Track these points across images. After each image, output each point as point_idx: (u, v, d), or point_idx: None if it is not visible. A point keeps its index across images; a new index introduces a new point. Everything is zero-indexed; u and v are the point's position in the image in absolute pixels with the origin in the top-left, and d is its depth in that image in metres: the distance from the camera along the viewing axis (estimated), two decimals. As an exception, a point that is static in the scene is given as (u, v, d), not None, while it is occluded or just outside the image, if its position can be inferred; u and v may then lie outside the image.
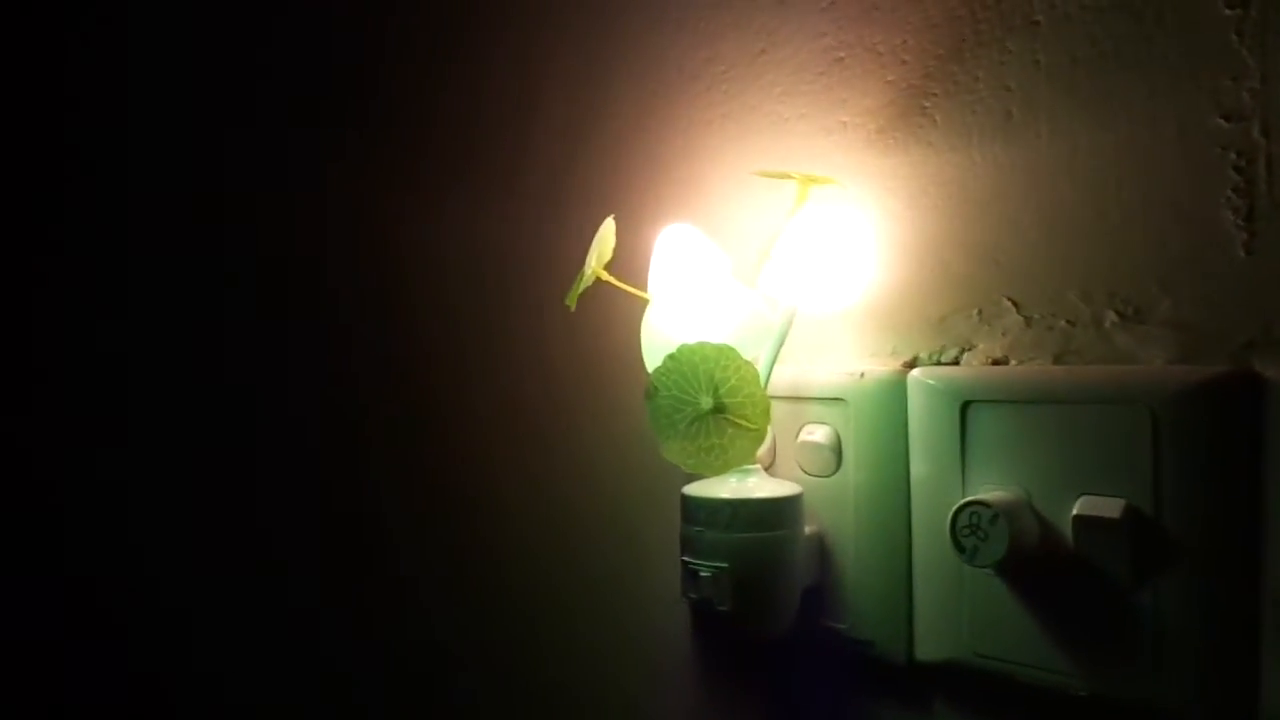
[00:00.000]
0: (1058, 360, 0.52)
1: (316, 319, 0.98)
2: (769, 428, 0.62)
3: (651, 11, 0.71)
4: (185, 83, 1.09)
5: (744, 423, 0.50)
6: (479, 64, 0.84)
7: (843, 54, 0.61)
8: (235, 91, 1.05)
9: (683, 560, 0.57)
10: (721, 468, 0.52)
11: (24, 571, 1.21)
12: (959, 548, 0.50)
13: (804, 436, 0.60)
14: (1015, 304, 0.54)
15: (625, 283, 0.60)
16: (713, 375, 0.50)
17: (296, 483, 0.99)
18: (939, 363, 0.57)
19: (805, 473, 0.61)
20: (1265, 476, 0.45)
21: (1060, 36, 0.52)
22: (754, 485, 0.57)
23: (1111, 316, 0.50)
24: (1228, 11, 0.46)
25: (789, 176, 0.57)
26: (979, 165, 0.55)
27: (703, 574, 0.56)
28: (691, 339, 0.53)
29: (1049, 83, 0.52)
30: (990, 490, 0.52)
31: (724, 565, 0.55)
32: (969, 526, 0.50)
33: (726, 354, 0.50)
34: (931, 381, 0.55)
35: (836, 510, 0.59)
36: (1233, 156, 0.47)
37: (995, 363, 0.54)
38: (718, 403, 0.50)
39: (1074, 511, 0.49)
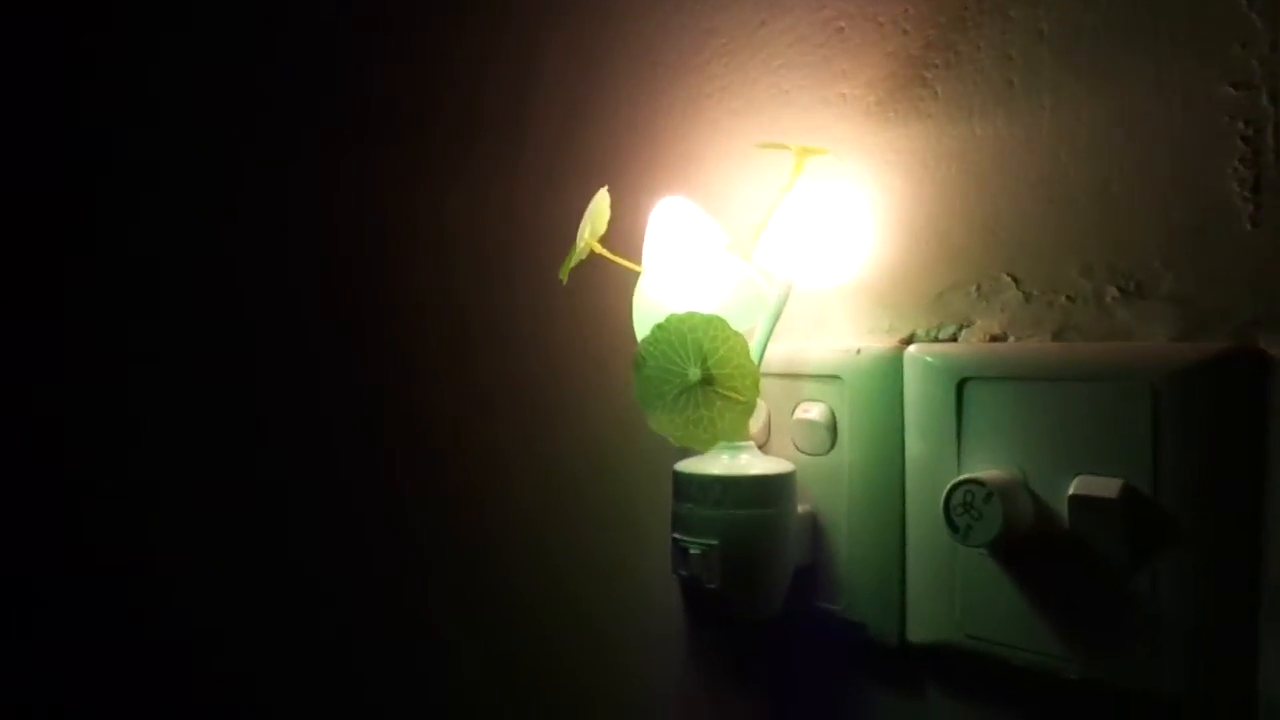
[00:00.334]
0: (1057, 337, 0.51)
1: (330, 308, 0.97)
2: (763, 404, 0.61)
3: (652, -16, 0.70)
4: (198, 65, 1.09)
5: (733, 395, 0.49)
6: (483, 42, 0.83)
7: (843, 24, 0.59)
8: (248, 77, 1.05)
9: (673, 537, 0.57)
10: (710, 440, 0.51)
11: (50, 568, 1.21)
12: (952, 527, 0.49)
13: (799, 414, 0.59)
14: (1015, 279, 0.52)
15: (627, 256, 0.59)
16: (701, 346, 0.49)
17: (305, 462, 0.99)
18: (936, 339, 0.55)
19: (800, 451, 0.59)
20: (1268, 456, 0.44)
21: (1064, 3, 0.50)
22: (746, 463, 0.56)
23: (1112, 292, 0.49)
24: (1237, -24, 0.45)
25: (785, 148, 0.56)
26: (980, 137, 0.54)
27: (692, 551, 0.55)
28: (682, 309, 0.52)
29: (1052, 52, 0.51)
30: (986, 469, 0.51)
31: (713, 542, 0.54)
32: (962, 505, 0.49)
33: (715, 324, 0.49)
34: (928, 358, 0.54)
35: (831, 489, 0.58)
36: (1240, 126, 0.45)
37: (993, 339, 0.53)
38: (706, 374, 0.49)
39: (1070, 491, 0.47)
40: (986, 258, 0.54)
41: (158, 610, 1.13)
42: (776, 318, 0.56)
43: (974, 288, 0.54)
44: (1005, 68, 0.53)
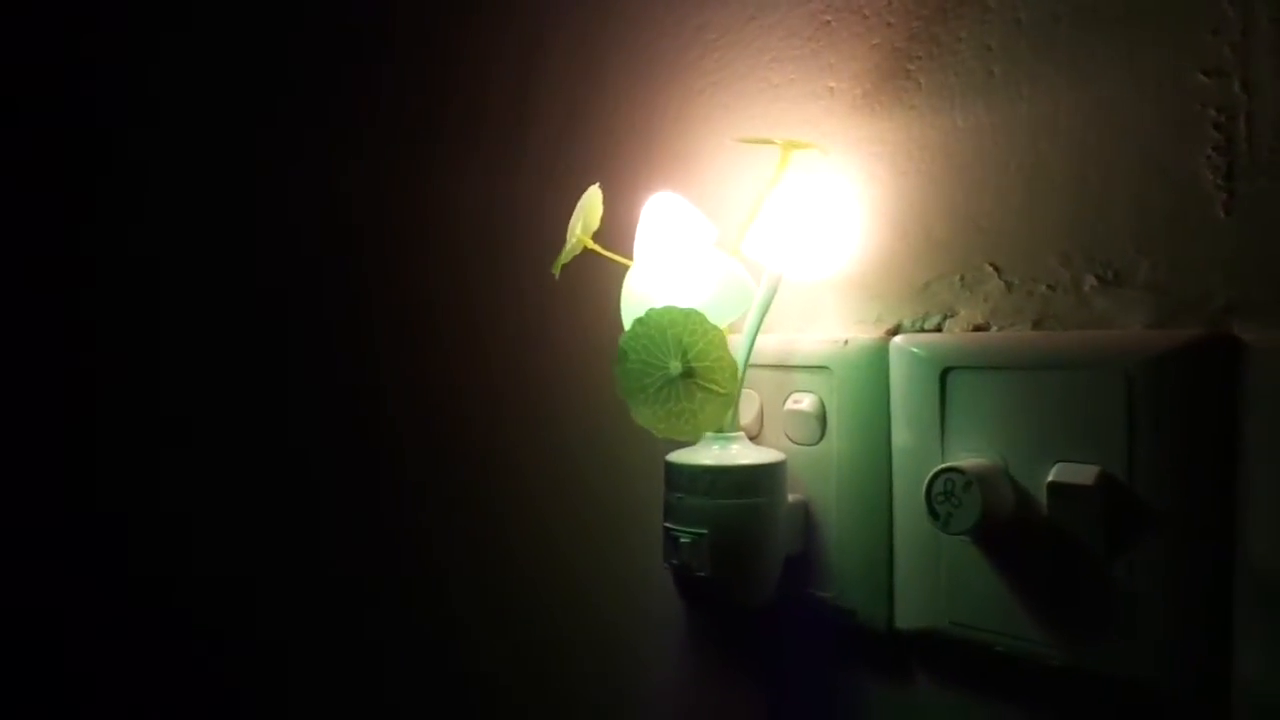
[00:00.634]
0: (1037, 326, 0.51)
1: (340, 303, 0.99)
2: (756, 394, 0.62)
3: (646, -19, 0.71)
4: (216, 63, 1.11)
5: (713, 387, 0.50)
6: (487, 43, 0.84)
7: (829, 18, 0.60)
8: (259, 78, 1.07)
9: (664, 526, 0.58)
10: (691, 432, 0.52)
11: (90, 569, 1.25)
12: (933, 515, 0.50)
13: (790, 405, 0.60)
14: (997, 269, 0.53)
15: (627, 251, 0.60)
16: (681, 340, 0.50)
17: (320, 453, 1.01)
18: (922, 329, 0.56)
19: (792, 441, 0.60)
20: (1242, 443, 0.44)
21: (1040, -7, 0.51)
22: (735, 453, 0.57)
23: (1090, 280, 0.49)
24: (1208, -38, 0.45)
25: (770, 142, 0.56)
26: (961, 128, 0.54)
27: (682, 540, 0.56)
28: (671, 303, 0.53)
29: (1029, 42, 0.51)
30: (968, 458, 0.51)
31: (702, 532, 0.55)
32: (943, 494, 0.49)
33: (694, 318, 0.50)
34: (913, 349, 0.55)
35: (821, 478, 0.59)
36: (1213, 113, 0.45)
37: (977, 329, 0.54)
38: (686, 367, 0.50)
39: (1048, 479, 0.48)
40: (969, 248, 0.54)
41: (193, 614, 1.16)
42: (765, 310, 0.57)
43: (958, 278, 0.54)
44: (985, 58, 0.53)
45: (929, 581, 0.54)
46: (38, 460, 1.30)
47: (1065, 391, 0.48)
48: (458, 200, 0.86)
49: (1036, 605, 0.50)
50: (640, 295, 0.55)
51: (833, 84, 0.60)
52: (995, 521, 0.49)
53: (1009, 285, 0.52)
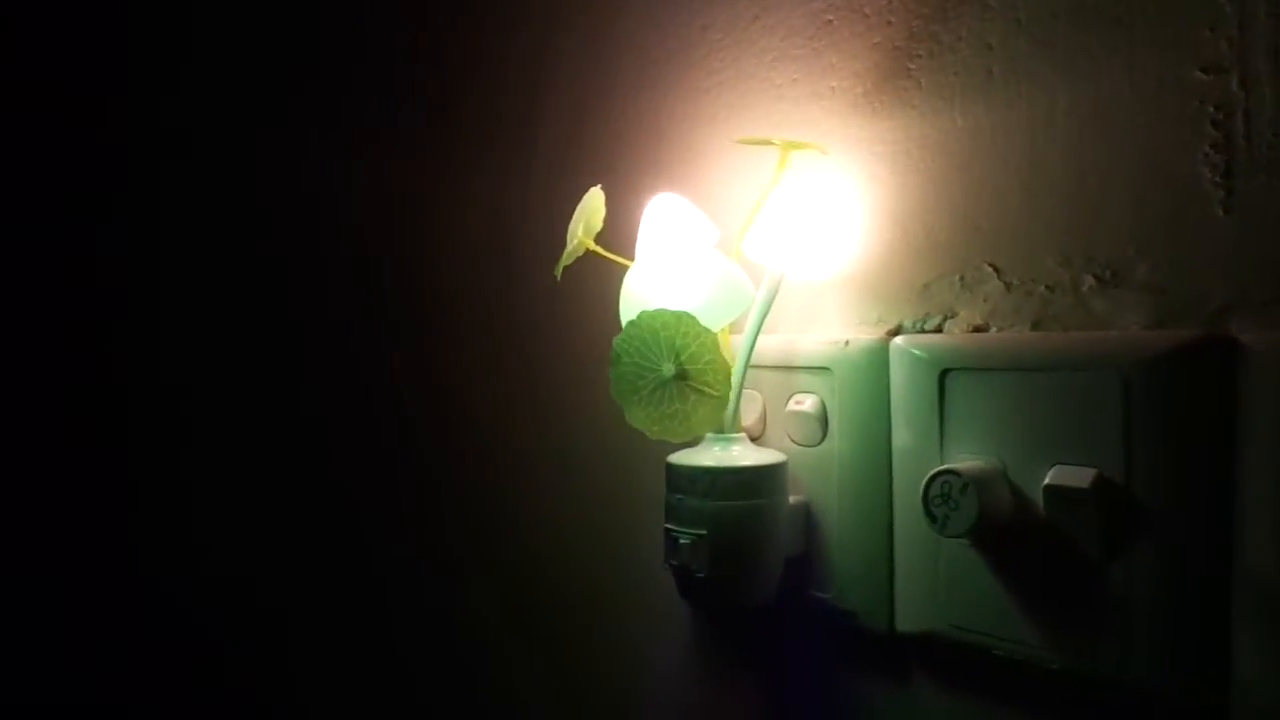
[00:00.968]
0: (1036, 327, 0.51)
1: (358, 300, 1.00)
2: (759, 395, 0.62)
3: (651, -18, 0.71)
4: (236, 67, 1.13)
5: (706, 389, 0.50)
6: (500, 44, 0.85)
7: (831, 17, 0.60)
8: (282, 81, 1.08)
9: (665, 527, 0.58)
10: (684, 433, 0.52)
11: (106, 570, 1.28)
12: (930, 517, 0.50)
13: (792, 406, 0.60)
14: (996, 269, 0.52)
15: (629, 253, 0.60)
16: (673, 342, 0.50)
17: (342, 445, 1.03)
18: (922, 330, 0.56)
19: (794, 442, 0.60)
20: (1239, 444, 0.43)
21: (1039, -10, 0.50)
22: (736, 454, 0.57)
23: (1089, 281, 0.49)
24: (1206, -43, 0.44)
25: (770, 143, 0.56)
26: (960, 128, 0.54)
27: (682, 541, 0.56)
28: (667, 305, 0.53)
29: (1029, 40, 0.51)
30: (967, 460, 0.51)
31: (702, 533, 0.56)
32: (940, 496, 0.49)
33: (685, 321, 0.50)
34: (912, 350, 0.54)
35: (822, 480, 0.59)
36: (1211, 110, 0.44)
37: (976, 330, 0.53)
38: (679, 369, 0.50)
39: (1045, 481, 0.47)
40: (969, 248, 0.54)
41: (213, 612, 1.18)
42: (766, 311, 0.57)
43: (958, 278, 0.54)
44: (985, 57, 0.53)
45: (929, 584, 0.54)
46: (54, 456, 1.32)
47: (1063, 393, 0.48)
48: (470, 202, 0.87)
49: (1035, 609, 0.49)
50: (638, 296, 0.55)
51: (834, 83, 0.60)
52: (993, 524, 0.49)
53: (1008, 286, 0.52)
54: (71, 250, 1.32)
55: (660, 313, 0.50)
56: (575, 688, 0.79)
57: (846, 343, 0.57)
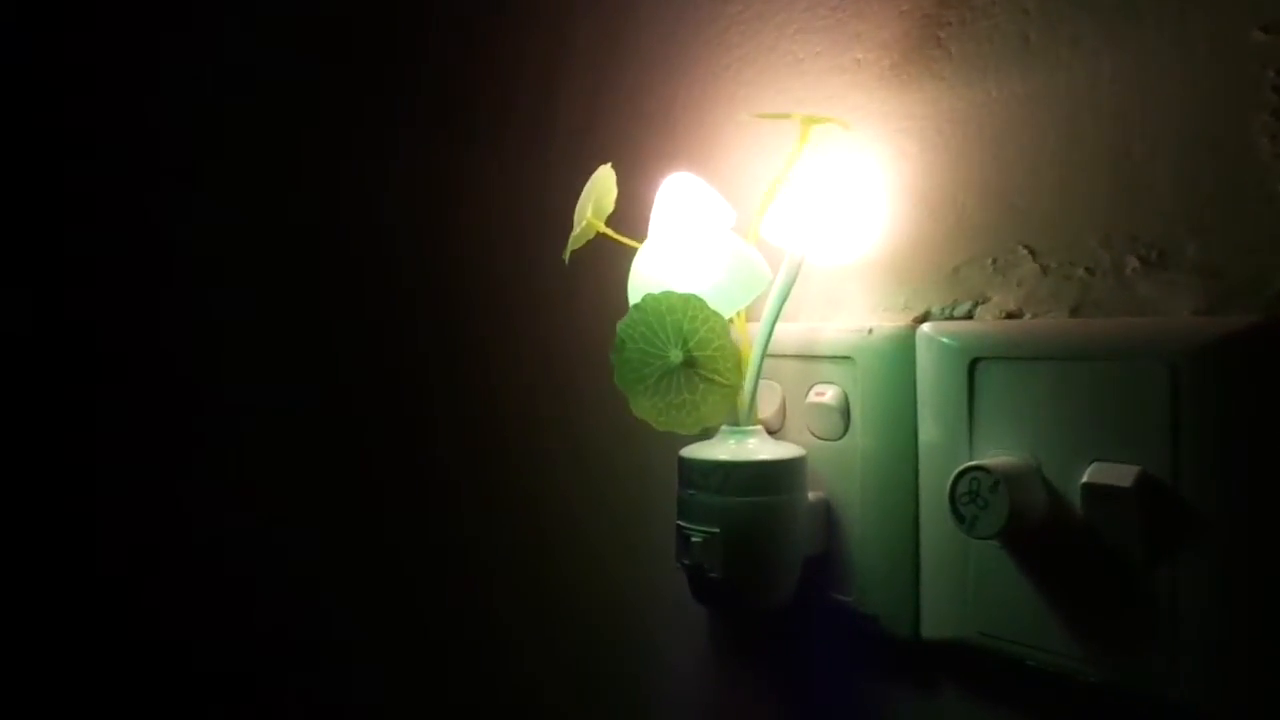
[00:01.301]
0: (1074, 312, 0.47)
1: (381, 287, 0.98)
2: (778, 386, 0.59)
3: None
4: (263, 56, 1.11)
5: (716, 377, 0.47)
6: (519, 17, 0.82)
7: (857, -17, 0.56)
8: (312, 72, 1.07)
9: (677, 524, 0.55)
10: (693, 425, 0.49)
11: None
12: (958, 517, 0.46)
13: (812, 397, 0.56)
14: (1031, 251, 0.49)
15: (642, 237, 0.57)
16: (681, 326, 0.47)
17: (368, 445, 1.01)
18: (951, 317, 0.52)
19: (814, 436, 0.57)
20: (1300, 442, 0.39)
21: (1081, -52, 0.46)
22: (752, 448, 0.54)
23: (1133, 263, 0.45)
24: (1266, -95, 0.40)
25: (788, 117, 0.53)
26: (994, 99, 0.50)
27: (694, 539, 0.53)
28: (675, 287, 0.50)
29: (1069, 1, 0.47)
30: (998, 455, 0.48)
31: (715, 530, 0.52)
32: (968, 494, 0.46)
33: (694, 304, 0.47)
34: (940, 338, 0.51)
35: (844, 475, 0.55)
36: (1271, 75, 0.41)
37: (1009, 316, 0.50)
38: (687, 356, 0.47)
39: (1083, 479, 0.44)
40: (1003, 229, 0.50)
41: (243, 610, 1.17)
42: (785, 296, 0.54)
43: (990, 261, 0.50)
44: (1021, 22, 0.49)
45: (957, 588, 0.50)
46: (77, 464, 1.32)
47: (1103, 384, 0.44)
48: (487, 185, 0.84)
49: (1071, 617, 0.46)
50: (646, 278, 0.52)
51: (860, 55, 0.56)
52: (1025, 525, 0.45)
53: (1044, 269, 0.48)
54: (98, 249, 1.32)
55: (667, 295, 0.47)
56: (594, 690, 0.76)
57: (870, 330, 0.54)
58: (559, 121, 0.78)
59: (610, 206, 0.58)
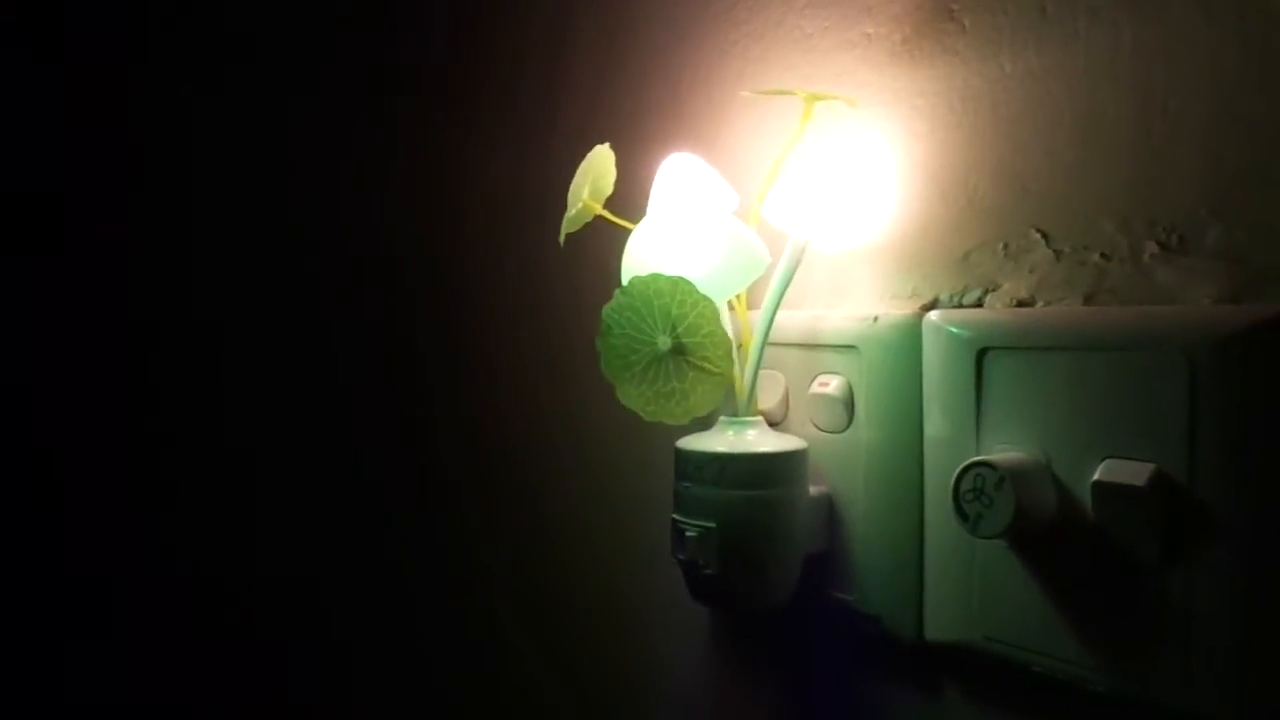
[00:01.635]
0: (1089, 300, 0.44)
1: (380, 275, 0.97)
2: (781, 376, 0.56)
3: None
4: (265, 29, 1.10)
5: (707, 365, 0.44)
6: (519, 3, 0.81)
7: (867, -45, 0.54)
8: (310, 49, 1.05)
9: (672, 518, 0.53)
10: (682, 415, 0.47)
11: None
12: (961, 515, 0.44)
13: (815, 388, 0.54)
14: (1045, 236, 0.46)
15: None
16: (669, 312, 0.45)
17: (365, 403, 0.99)
18: (960, 305, 0.50)
19: (818, 428, 0.55)
20: (1327, 441, 0.37)
21: (1101, -87, 0.43)
22: (751, 439, 0.52)
23: (1152, 248, 0.42)
24: None
25: (791, 93, 0.50)
26: (1009, 75, 0.47)
27: (689, 533, 0.51)
28: (671, 270, 0.48)
29: (1088, -30, 0.44)
30: (1004, 451, 0.45)
31: (710, 525, 0.50)
32: (973, 491, 0.43)
33: (682, 287, 0.44)
34: (948, 327, 0.48)
35: (847, 470, 0.53)
36: (1302, 46, 0.38)
37: (1020, 304, 0.47)
38: (676, 343, 0.45)
39: (1093, 477, 0.41)
40: (1015, 212, 0.47)
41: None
42: (787, 282, 0.52)
43: (1001, 246, 0.48)
44: (1038, -7, 0.46)
45: (962, 590, 0.48)
46: (101, 468, 1.33)
47: (1117, 377, 0.41)
48: (489, 172, 0.82)
49: (1081, 622, 0.43)
50: (638, 261, 0.50)
51: (870, 29, 0.54)
52: (1033, 525, 0.43)
53: (1058, 254, 0.46)
54: (101, 255, 1.32)
55: (654, 278, 0.45)
56: (589, 689, 0.74)
57: (876, 319, 0.51)
58: (562, 101, 0.75)
59: (609, 189, 0.56)
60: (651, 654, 0.68)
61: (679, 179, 0.54)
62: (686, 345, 0.45)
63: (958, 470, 0.44)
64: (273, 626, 1.11)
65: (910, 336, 0.50)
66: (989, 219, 0.48)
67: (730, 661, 0.63)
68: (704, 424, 0.53)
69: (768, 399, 0.57)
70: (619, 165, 0.56)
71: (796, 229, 0.51)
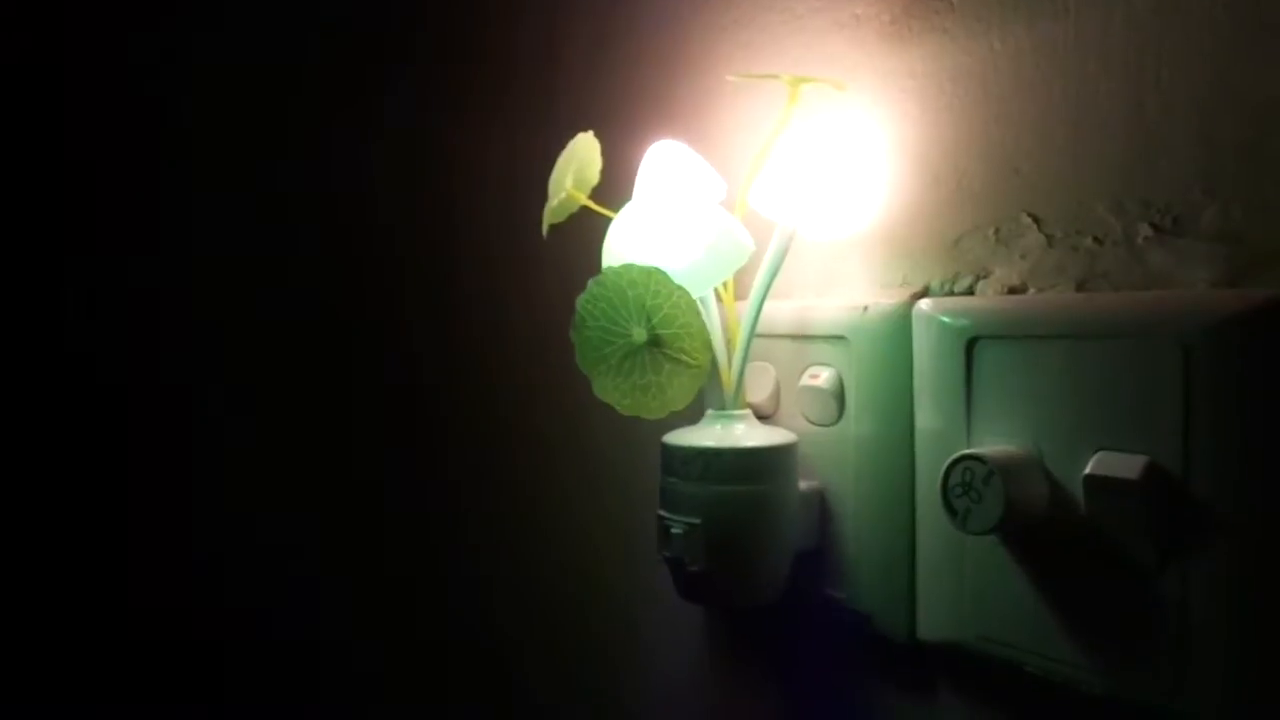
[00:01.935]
0: (1081, 286, 0.43)
1: (372, 267, 0.96)
2: (771, 368, 0.55)
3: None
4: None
5: (684, 357, 0.43)
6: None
7: (855, -67, 0.52)
8: (298, 38, 1.05)
9: (658, 514, 0.51)
10: (660, 409, 0.46)
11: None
12: (950, 510, 0.42)
13: (805, 380, 0.53)
14: (1036, 220, 0.44)
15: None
16: (644, 303, 0.43)
17: (365, 399, 0.99)
18: (951, 292, 0.48)
19: (809, 421, 0.53)
20: (1328, 431, 0.35)
21: (1090, -119, 0.42)
22: (738, 433, 0.51)
23: (1145, 231, 0.40)
24: None
25: (775, 77, 0.49)
26: (999, 54, 0.46)
27: (674, 530, 0.50)
28: (650, 260, 0.46)
29: (1078, -59, 0.42)
30: (995, 443, 0.44)
31: (695, 521, 0.49)
32: (961, 486, 0.42)
33: (656, 277, 0.43)
34: (938, 316, 0.47)
35: (838, 464, 0.52)
36: (1300, 17, 0.36)
37: (1012, 291, 0.45)
38: (652, 335, 0.44)
39: (1085, 470, 0.40)
40: (1006, 196, 0.46)
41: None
42: (775, 271, 0.50)
43: (992, 231, 0.46)
44: (1028, -33, 0.44)
45: (954, 588, 0.46)
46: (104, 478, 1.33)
47: (1110, 365, 0.40)
48: (481, 160, 0.81)
49: (1073, 621, 0.41)
50: (618, 251, 0.48)
51: (859, 10, 0.52)
52: (1025, 520, 0.41)
53: (1050, 239, 0.44)
54: (93, 254, 1.32)
55: (628, 268, 0.44)
56: (585, 689, 0.73)
57: (865, 308, 0.50)
58: (558, 85, 0.74)
59: (595, 178, 0.54)
60: (642, 651, 0.67)
61: (664, 167, 0.52)
62: (663, 337, 0.44)
63: (945, 464, 0.42)
64: (269, 626, 1.11)
65: (900, 326, 0.49)
66: (980, 203, 0.47)
67: (721, 660, 0.62)
68: (692, 417, 0.52)
69: (759, 392, 0.55)
70: (609, 153, 0.54)
71: (784, 217, 0.50)
